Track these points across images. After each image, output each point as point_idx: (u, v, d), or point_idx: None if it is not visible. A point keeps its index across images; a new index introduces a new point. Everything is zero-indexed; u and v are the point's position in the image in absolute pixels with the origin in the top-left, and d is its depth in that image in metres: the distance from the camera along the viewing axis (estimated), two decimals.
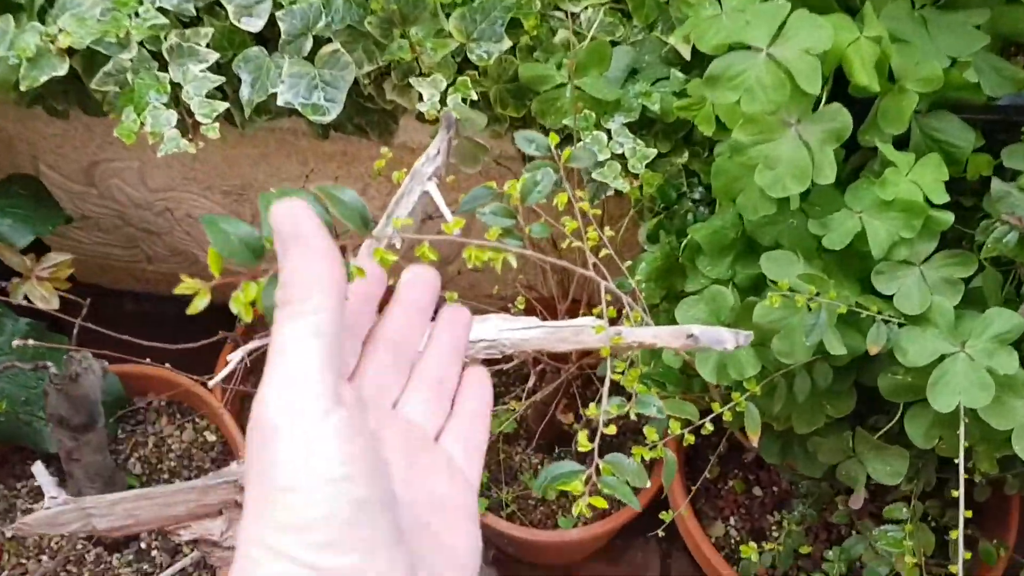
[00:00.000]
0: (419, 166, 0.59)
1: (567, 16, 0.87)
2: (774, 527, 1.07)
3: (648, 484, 0.50)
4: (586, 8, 0.88)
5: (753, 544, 0.93)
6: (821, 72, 0.68)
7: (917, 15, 0.77)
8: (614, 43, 0.87)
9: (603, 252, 0.76)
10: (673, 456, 0.71)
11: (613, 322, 0.61)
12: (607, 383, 0.55)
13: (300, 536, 0.31)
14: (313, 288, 0.32)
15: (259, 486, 0.32)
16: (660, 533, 0.88)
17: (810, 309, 0.70)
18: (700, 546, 1.03)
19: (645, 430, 0.74)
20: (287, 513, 0.31)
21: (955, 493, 0.74)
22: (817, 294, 0.72)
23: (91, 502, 0.70)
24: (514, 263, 0.49)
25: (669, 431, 0.72)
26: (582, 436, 0.53)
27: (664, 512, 0.89)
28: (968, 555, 0.71)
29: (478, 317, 0.62)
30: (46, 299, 0.81)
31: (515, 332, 0.59)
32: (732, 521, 1.09)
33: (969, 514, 0.72)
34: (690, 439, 0.71)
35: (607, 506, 0.48)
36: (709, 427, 0.73)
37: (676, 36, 0.80)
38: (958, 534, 0.69)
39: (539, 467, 1.20)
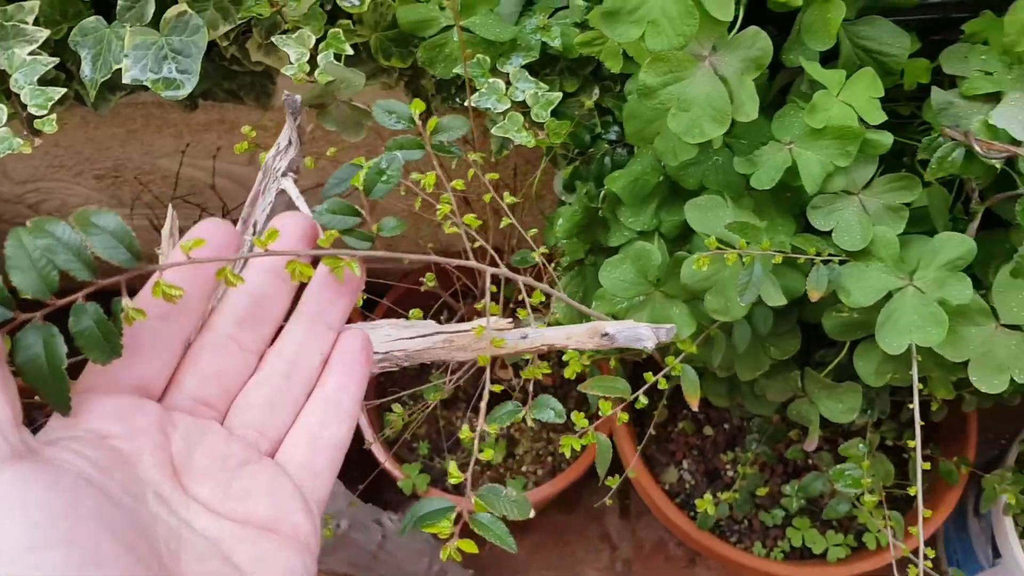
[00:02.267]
0: (270, 160, 0.49)
1: None
2: (728, 466, 1.03)
3: (532, 514, 0.42)
4: None
5: (708, 496, 0.88)
6: None
7: None
8: None
9: (505, 222, 0.67)
10: (607, 441, 0.65)
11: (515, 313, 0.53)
12: (486, 394, 0.47)
13: None
14: None
15: None
16: (608, 502, 0.83)
17: (743, 263, 0.63)
18: (653, 497, 0.98)
19: (573, 415, 0.67)
20: None
21: (916, 424, 0.69)
22: (748, 245, 0.65)
23: None
24: (358, 271, 0.40)
25: (600, 412, 0.65)
26: (452, 468, 0.45)
27: (611, 477, 0.84)
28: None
29: (366, 324, 0.54)
30: None
31: (409, 342, 0.51)
32: (685, 464, 1.05)
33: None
34: (623, 417, 0.65)
35: (476, 550, 0.40)
36: (643, 400, 0.67)
37: None
38: (916, 492, 0.64)
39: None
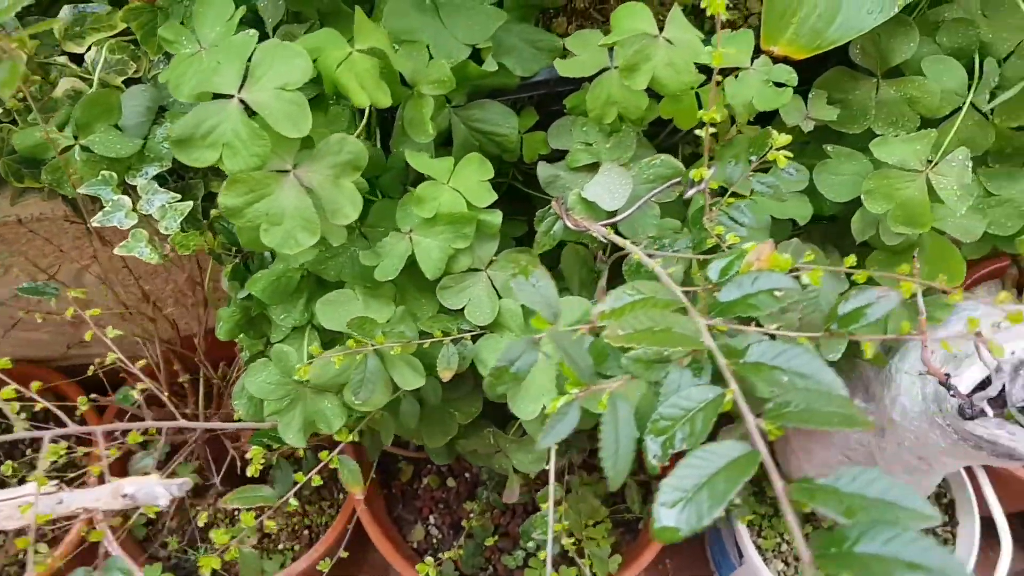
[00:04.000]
0: None
1: (71, 61, 0.76)
2: (471, 514, 1.06)
3: None
4: (89, 48, 0.76)
5: (430, 559, 0.90)
6: (307, 108, 0.61)
7: (429, 3, 0.71)
8: (133, 81, 0.77)
9: (141, 363, 0.68)
10: (252, 552, 0.65)
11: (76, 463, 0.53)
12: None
13: None
14: None
15: None
16: None
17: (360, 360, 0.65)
18: (396, 567, 1.00)
19: (213, 534, 0.68)
20: None
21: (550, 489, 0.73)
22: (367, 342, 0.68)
23: None
24: None
25: (243, 524, 0.66)
26: None
27: (339, 553, 0.85)
28: None
29: None
30: None
31: None
32: (432, 519, 1.07)
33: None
34: (270, 528, 0.66)
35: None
36: (294, 503, 0.68)
37: (164, 77, 0.70)
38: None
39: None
